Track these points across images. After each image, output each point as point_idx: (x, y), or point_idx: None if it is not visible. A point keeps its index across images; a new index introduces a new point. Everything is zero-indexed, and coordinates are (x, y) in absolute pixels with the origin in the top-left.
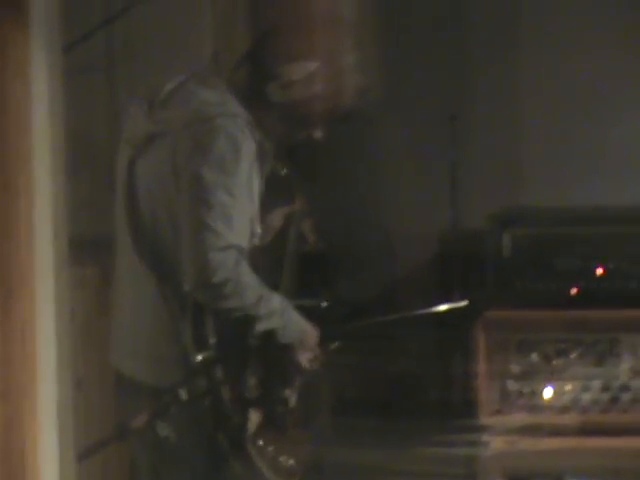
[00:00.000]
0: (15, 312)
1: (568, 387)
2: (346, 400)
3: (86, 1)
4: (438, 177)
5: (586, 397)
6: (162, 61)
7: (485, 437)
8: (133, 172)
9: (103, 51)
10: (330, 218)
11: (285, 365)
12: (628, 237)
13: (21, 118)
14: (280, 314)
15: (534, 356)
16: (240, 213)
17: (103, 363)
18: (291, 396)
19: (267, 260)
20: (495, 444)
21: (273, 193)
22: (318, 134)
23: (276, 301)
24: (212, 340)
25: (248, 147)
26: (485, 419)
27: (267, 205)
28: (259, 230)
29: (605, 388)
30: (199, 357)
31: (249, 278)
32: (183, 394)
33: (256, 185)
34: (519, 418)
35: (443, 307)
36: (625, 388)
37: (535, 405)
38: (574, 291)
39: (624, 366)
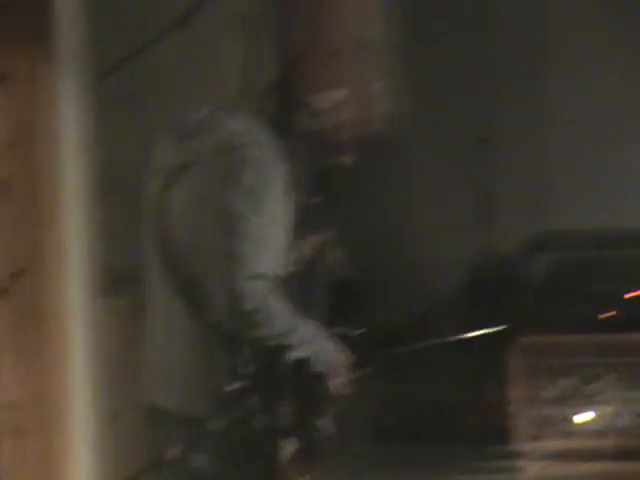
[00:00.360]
0: (49, 345)
1: (603, 412)
2: (382, 427)
3: (115, 33)
4: (469, 201)
5: (621, 421)
6: (190, 91)
7: (521, 463)
8: (163, 202)
9: (132, 82)
10: (362, 244)
11: (318, 393)
12: None
13: (52, 149)
14: (311, 343)
15: (569, 381)
16: (270, 242)
17: (138, 394)
18: (325, 425)
19: (299, 289)
20: (531, 470)
21: (303, 221)
22: (347, 161)
23: (307, 330)
24: (245, 370)
25: (277, 175)
26: (521, 445)
27: (298, 233)
28: (290, 259)
29: None
30: (233, 387)
31: (279, 307)
32: (217, 424)
33: (286, 213)
34: (555, 443)
35: (478, 333)
36: None
37: (570, 430)
38: (608, 315)
39: None
